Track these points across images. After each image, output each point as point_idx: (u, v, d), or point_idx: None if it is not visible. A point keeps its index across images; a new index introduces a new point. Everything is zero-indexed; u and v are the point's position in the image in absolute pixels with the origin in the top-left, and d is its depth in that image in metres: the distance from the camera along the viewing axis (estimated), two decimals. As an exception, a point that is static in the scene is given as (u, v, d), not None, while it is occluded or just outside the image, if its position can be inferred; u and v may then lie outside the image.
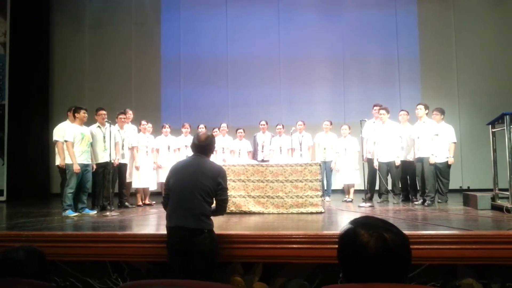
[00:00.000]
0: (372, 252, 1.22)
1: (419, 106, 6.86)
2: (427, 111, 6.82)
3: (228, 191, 3.37)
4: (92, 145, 6.39)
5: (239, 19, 10.67)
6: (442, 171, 6.72)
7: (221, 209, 3.31)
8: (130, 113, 7.57)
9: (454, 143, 6.94)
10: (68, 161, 6.01)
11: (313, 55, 10.36)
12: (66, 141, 5.99)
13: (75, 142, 6.03)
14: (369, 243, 1.23)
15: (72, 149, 5.97)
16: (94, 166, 6.36)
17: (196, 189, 3.10)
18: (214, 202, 3.28)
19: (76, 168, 5.89)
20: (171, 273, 3.21)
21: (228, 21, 10.72)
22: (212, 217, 3.26)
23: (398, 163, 6.97)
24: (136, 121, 7.70)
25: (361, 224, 1.30)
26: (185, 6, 10.89)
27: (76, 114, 6.20)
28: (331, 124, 8.04)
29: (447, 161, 6.77)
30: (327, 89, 10.34)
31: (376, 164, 7.08)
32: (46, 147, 9.76)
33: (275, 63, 10.48)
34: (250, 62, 10.50)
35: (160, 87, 10.84)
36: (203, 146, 3.31)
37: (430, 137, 6.61)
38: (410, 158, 7.00)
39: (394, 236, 1.25)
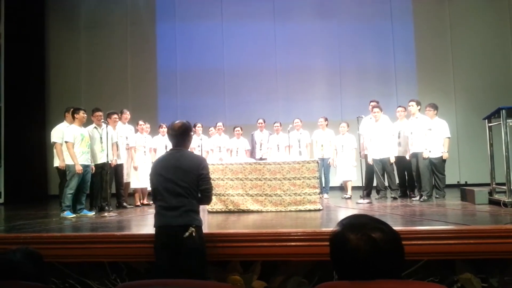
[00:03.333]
0: (363, 255, 1.22)
1: (411, 103, 6.88)
2: (419, 107, 6.85)
3: (211, 180, 3.28)
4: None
5: (235, 23, 10.64)
6: (438, 166, 6.75)
7: (206, 199, 3.25)
8: (127, 114, 7.55)
9: (448, 138, 6.95)
10: (68, 161, 5.99)
11: (310, 58, 10.35)
12: (66, 141, 5.98)
13: (75, 143, 6.01)
14: (359, 247, 1.22)
15: (72, 150, 5.95)
16: (93, 168, 6.34)
17: (180, 187, 3.07)
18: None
19: (79, 168, 5.88)
20: (158, 273, 3.17)
21: (224, 26, 10.68)
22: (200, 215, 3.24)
23: (392, 160, 6.98)
24: (133, 121, 7.68)
25: (349, 226, 1.29)
26: (180, 8, 10.85)
27: (75, 115, 6.18)
28: (325, 120, 8.05)
29: (441, 156, 6.80)
30: (324, 88, 10.34)
31: (370, 161, 7.09)
32: (43, 148, 9.74)
33: (271, 68, 10.46)
34: (247, 67, 10.46)
35: (157, 87, 10.82)
36: (179, 135, 3.20)
37: (423, 133, 6.63)
38: (406, 154, 7.01)
39: (384, 235, 1.24)
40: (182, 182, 3.07)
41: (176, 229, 3.03)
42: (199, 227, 3.14)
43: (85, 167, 6.08)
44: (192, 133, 3.36)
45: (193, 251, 3.05)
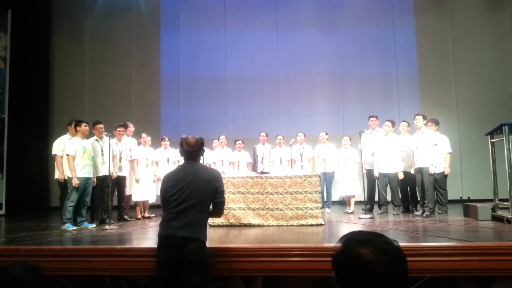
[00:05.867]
0: (381, 270, 1.16)
1: (417, 117, 6.86)
2: (425, 121, 6.83)
3: (225, 194, 3.31)
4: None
5: (238, 35, 10.75)
6: (439, 181, 6.72)
7: (218, 211, 3.25)
8: (131, 127, 7.56)
9: (450, 153, 6.94)
10: (69, 174, 6.00)
11: (312, 69, 10.42)
12: (67, 154, 5.99)
13: (77, 155, 6.02)
14: (374, 260, 1.17)
15: (73, 163, 5.96)
16: (95, 180, 6.35)
17: (193, 200, 3.04)
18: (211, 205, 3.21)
19: (75, 182, 5.88)
20: (159, 285, 3.13)
21: (228, 36, 10.80)
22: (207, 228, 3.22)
23: (401, 176, 6.96)
24: (136, 134, 7.70)
25: (356, 242, 1.23)
26: (184, 21, 10.98)
27: (77, 128, 6.21)
28: (326, 134, 8.07)
29: (443, 171, 6.77)
30: (326, 102, 10.38)
31: (376, 173, 7.07)
32: (45, 161, 9.75)
33: (274, 79, 10.53)
34: (250, 78, 10.54)
35: (160, 100, 10.88)
36: (195, 151, 3.22)
37: (429, 148, 6.61)
38: (411, 169, 6.99)
39: (392, 246, 1.22)
40: (196, 195, 3.05)
41: (179, 241, 2.99)
42: (203, 242, 3.10)
43: (87, 179, 6.09)
44: (204, 146, 3.37)
45: (195, 266, 3.00)
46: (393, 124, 7.21)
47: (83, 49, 11.10)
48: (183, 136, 3.29)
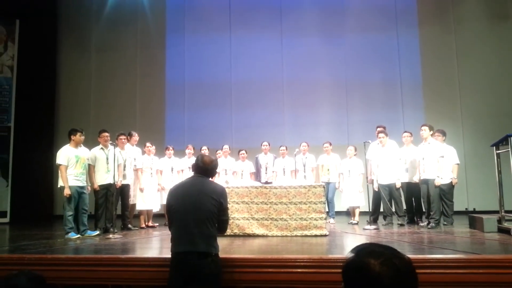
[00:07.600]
0: (387, 282, 1.17)
1: (423, 127, 6.82)
2: (431, 132, 6.80)
3: (229, 211, 3.33)
4: (92, 167, 6.44)
5: (243, 43, 10.83)
6: (446, 192, 6.68)
7: (223, 229, 3.27)
8: (136, 136, 7.56)
9: (457, 164, 6.90)
10: (62, 184, 5.99)
11: (316, 78, 10.46)
12: (59, 164, 5.99)
13: (70, 165, 6.03)
14: (382, 273, 1.18)
15: (65, 172, 5.96)
16: (89, 188, 6.36)
17: (201, 212, 3.04)
18: None
19: (67, 192, 5.88)
20: None
21: (232, 45, 10.88)
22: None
23: (398, 185, 6.94)
24: (141, 143, 7.72)
25: (367, 253, 1.24)
26: (190, 30, 11.07)
27: (72, 136, 6.22)
28: (330, 145, 8.06)
29: (451, 182, 6.73)
30: (330, 111, 10.39)
31: (375, 186, 7.04)
32: (50, 169, 9.79)
33: (278, 86, 10.58)
34: (254, 86, 10.60)
35: (165, 110, 10.94)
36: (208, 169, 3.26)
37: (435, 159, 6.56)
38: (415, 179, 6.95)
39: (403, 261, 1.22)
40: (205, 207, 3.06)
41: (193, 256, 2.99)
42: (215, 255, 3.12)
43: (81, 188, 6.11)
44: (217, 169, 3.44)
45: (208, 279, 3.01)
46: (385, 133, 7.18)
47: (89, 58, 11.20)
48: (201, 154, 3.33)
